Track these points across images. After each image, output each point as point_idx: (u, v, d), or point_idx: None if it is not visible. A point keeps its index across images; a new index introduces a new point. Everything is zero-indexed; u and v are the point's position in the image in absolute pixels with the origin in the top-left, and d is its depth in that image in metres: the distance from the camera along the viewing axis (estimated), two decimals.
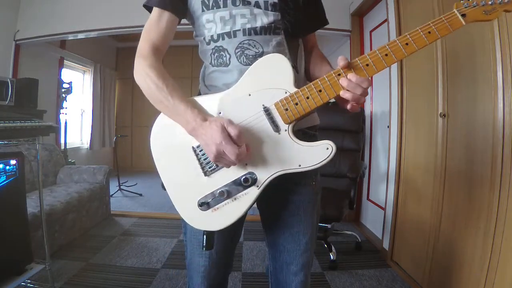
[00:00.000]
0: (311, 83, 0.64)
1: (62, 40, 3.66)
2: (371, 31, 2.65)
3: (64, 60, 3.96)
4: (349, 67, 0.63)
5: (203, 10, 0.73)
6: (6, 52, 2.94)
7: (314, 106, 0.64)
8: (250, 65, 0.69)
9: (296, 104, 0.64)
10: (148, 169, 5.51)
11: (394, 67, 2.01)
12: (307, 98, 0.64)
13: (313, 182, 0.80)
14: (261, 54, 0.71)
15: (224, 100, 0.69)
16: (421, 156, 1.75)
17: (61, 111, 3.67)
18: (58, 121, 3.64)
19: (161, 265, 1.96)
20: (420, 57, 1.76)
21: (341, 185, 2.29)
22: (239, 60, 0.71)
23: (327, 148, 0.63)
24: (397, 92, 1.96)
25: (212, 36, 0.73)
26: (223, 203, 0.67)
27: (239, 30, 0.71)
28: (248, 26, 0.70)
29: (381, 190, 2.41)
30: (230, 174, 0.67)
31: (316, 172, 0.80)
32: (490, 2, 0.60)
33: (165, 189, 0.73)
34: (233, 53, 0.71)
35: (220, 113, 0.68)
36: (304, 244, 0.77)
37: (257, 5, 0.70)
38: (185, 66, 5.48)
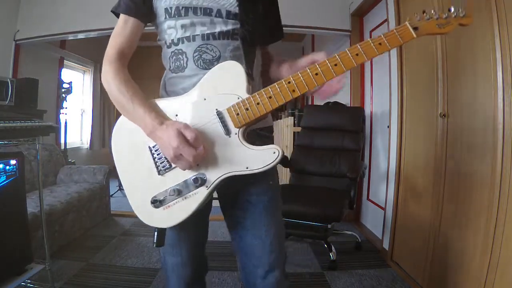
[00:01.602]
0: (262, 90, 0.68)
1: (62, 40, 3.65)
2: (371, 31, 2.65)
3: (64, 60, 3.96)
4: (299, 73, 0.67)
5: (165, 18, 0.76)
6: (6, 52, 2.94)
7: (263, 112, 0.67)
8: (207, 69, 0.73)
9: (247, 109, 0.68)
10: None
11: (394, 67, 2.01)
12: (257, 104, 0.67)
13: (271, 182, 0.81)
14: (218, 58, 0.74)
15: (181, 103, 0.73)
16: (421, 156, 1.75)
17: (61, 111, 3.67)
18: (58, 121, 3.64)
19: (161, 265, 1.96)
20: (420, 57, 1.76)
21: (341, 185, 2.29)
22: (196, 64, 0.75)
23: (274, 153, 0.67)
24: (397, 92, 1.96)
25: (172, 40, 0.77)
26: (174, 201, 0.70)
27: (198, 35, 0.74)
28: (207, 31, 0.74)
29: (381, 190, 2.41)
30: (182, 174, 0.69)
31: (274, 172, 0.82)
32: (444, 16, 0.63)
33: (122, 189, 0.76)
34: (191, 56, 0.75)
35: (176, 115, 0.71)
36: (269, 245, 0.77)
37: (219, 14, 0.74)
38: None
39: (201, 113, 0.70)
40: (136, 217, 0.73)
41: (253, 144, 0.69)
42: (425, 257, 1.61)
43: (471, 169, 1.33)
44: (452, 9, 0.63)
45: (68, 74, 4.15)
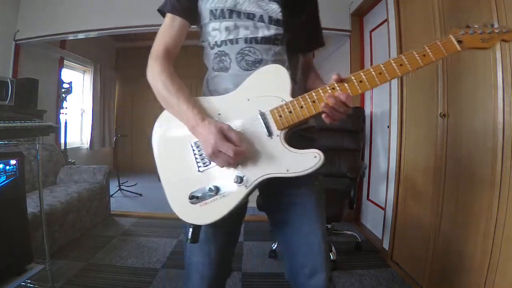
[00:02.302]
0: (306, 94, 0.68)
1: (62, 40, 3.65)
2: (371, 31, 2.65)
3: (64, 60, 3.95)
4: (342, 81, 0.66)
5: (210, 19, 0.79)
6: (6, 52, 2.94)
7: (306, 115, 0.68)
8: (249, 70, 0.75)
9: (290, 112, 0.68)
10: (148, 169, 5.51)
11: None
12: (301, 107, 0.68)
13: (316, 183, 0.81)
14: (260, 61, 0.76)
15: (224, 102, 0.74)
16: (421, 156, 1.75)
17: (61, 111, 3.67)
18: (58, 121, 3.64)
19: (161, 265, 1.96)
20: None
21: (341, 185, 2.29)
22: (239, 65, 0.77)
23: (315, 157, 0.66)
24: (397, 92, 1.96)
25: (216, 41, 0.79)
26: (212, 198, 0.70)
27: (241, 38, 0.76)
28: (250, 36, 0.76)
29: (381, 190, 2.41)
30: (222, 172, 0.70)
31: (317, 175, 0.80)
32: (488, 31, 0.63)
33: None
34: (234, 58, 0.77)
35: (219, 113, 0.73)
36: (317, 246, 0.78)
37: (261, 19, 0.76)
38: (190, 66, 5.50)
39: (244, 113, 0.71)
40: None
41: (296, 146, 0.68)
42: (425, 257, 1.61)
43: (471, 169, 1.33)
44: (496, 25, 0.63)
45: (68, 74, 4.15)
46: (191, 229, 0.71)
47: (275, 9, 0.76)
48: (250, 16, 0.76)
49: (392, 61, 0.64)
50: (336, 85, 0.66)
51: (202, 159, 0.72)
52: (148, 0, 2.82)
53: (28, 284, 1.49)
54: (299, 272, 0.79)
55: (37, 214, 1.79)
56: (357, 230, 2.58)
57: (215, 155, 0.65)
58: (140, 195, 3.80)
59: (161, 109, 0.79)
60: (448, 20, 1.48)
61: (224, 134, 0.66)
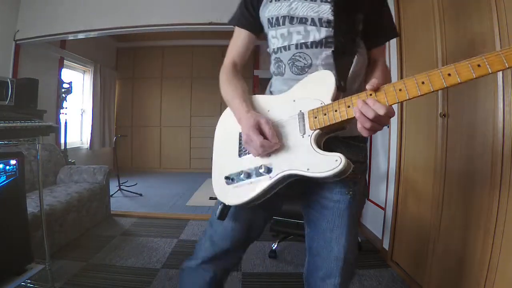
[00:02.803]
0: (344, 99, 0.69)
1: (62, 40, 3.66)
2: None
3: (64, 60, 3.96)
4: (380, 89, 0.64)
5: (268, 28, 0.85)
6: (6, 52, 2.94)
7: (339, 119, 0.69)
8: (300, 74, 0.81)
9: (325, 114, 0.71)
10: (148, 169, 5.52)
11: (394, 67, 2.01)
12: (335, 111, 0.69)
13: (351, 192, 0.80)
14: (310, 66, 0.80)
15: (274, 101, 0.82)
16: (421, 156, 1.75)
17: (61, 111, 3.67)
18: (58, 121, 3.64)
19: (161, 265, 1.96)
20: (420, 57, 1.76)
21: None
22: (291, 70, 0.82)
23: (336, 160, 0.66)
24: None
25: (274, 49, 0.86)
26: (242, 182, 0.77)
27: (293, 44, 0.81)
28: (302, 41, 0.79)
29: (381, 190, 2.41)
30: (255, 160, 0.77)
31: (356, 182, 0.82)
32: None
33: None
34: (287, 64, 0.83)
35: (268, 110, 0.81)
36: (337, 252, 0.78)
37: (313, 22, 0.78)
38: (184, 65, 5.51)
39: (287, 112, 0.77)
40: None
41: (337, 151, 0.69)
42: (425, 257, 1.61)
43: (471, 169, 1.33)
44: None
45: (68, 74, 4.15)
46: (220, 206, 0.79)
47: (326, 10, 0.77)
48: (302, 20, 0.78)
49: (439, 71, 0.57)
50: (374, 92, 0.64)
51: (242, 147, 0.80)
52: (148, 0, 2.83)
53: (28, 284, 1.49)
54: (313, 273, 0.81)
55: (37, 214, 1.79)
56: None
57: (248, 144, 0.74)
58: (140, 195, 3.80)
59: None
60: (448, 20, 1.48)
61: (260, 127, 0.73)
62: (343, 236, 0.78)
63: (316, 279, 0.80)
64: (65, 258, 2.01)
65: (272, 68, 0.90)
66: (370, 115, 0.62)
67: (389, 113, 0.62)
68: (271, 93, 0.90)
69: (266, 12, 0.84)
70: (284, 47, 0.82)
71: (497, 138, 1.17)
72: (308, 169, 0.69)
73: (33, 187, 2.31)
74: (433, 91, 0.58)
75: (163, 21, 2.67)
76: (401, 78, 1.93)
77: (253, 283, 1.80)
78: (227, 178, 0.79)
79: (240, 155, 0.80)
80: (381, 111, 0.61)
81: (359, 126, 0.65)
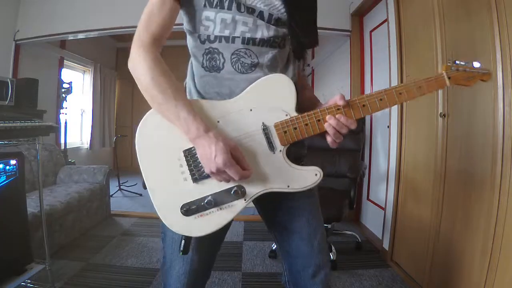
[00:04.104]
0: (312, 112, 0.68)
1: (62, 40, 3.66)
2: (371, 31, 2.65)
3: (64, 60, 3.95)
4: (348, 105, 0.67)
5: (205, 6, 0.68)
6: (6, 52, 2.94)
7: (310, 134, 0.68)
8: (243, 73, 0.70)
9: (295, 128, 0.68)
10: None
11: (394, 67, 2.01)
12: (306, 125, 0.68)
13: (312, 189, 0.79)
14: (256, 65, 0.71)
15: (224, 109, 0.68)
16: (421, 156, 1.75)
17: (61, 111, 3.67)
18: (58, 121, 3.64)
19: (161, 269, 1.95)
20: (420, 57, 1.76)
21: (341, 185, 2.29)
22: (234, 67, 0.70)
23: (316, 174, 0.68)
24: None
25: (208, 36, 0.70)
26: (208, 211, 0.67)
27: (238, 37, 0.69)
28: (248, 35, 0.69)
29: (381, 190, 2.41)
30: (219, 184, 0.67)
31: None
32: (472, 70, 0.75)
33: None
34: (229, 58, 0.70)
35: (218, 121, 0.68)
36: (317, 245, 0.78)
37: (261, 16, 0.69)
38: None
39: (246, 124, 0.68)
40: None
41: (289, 159, 0.68)
42: (425, 257, 1.61)
43: (471, 169, 1.33)
44: (477, 65, 0.75)
45: (68, 74, 4.15)
46: (183, 241, 0.68)
47: (277, 6, 0.70)
48: (249, 10, 0.68)
49: (393, 90, 0.68)
50: (341, 107, 0.67)
51: (198, 170, 0.67)
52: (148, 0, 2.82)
53: (28, 284, 1.49)
54: (301, 274, 0.78)
55: (37, 214, 1.79)
56: (357, 230, 2.58)
57: (218, 174, 0.62)
58: (140, 195, 3.80)
59: None
60: (448, 20, 1.48)
61: (233, 152, 0.62)
62: (318, 230, 0.79)
63: (305, 279, 0.77)
64: (65, 258, 2.01)
65: (201, 60, 0.72)
66: (344, 131, 0.67)
67: (355, 126, 0.67)
68: (200, 93, 0.74)
69: None
70: (226, 38, 0.69)
71: (497, 138, 1.16)
72: (288, 186, 0.68)
73: (33, 187, 2.31)
74: (389, 107, 0.69)
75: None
76: (401, 78, 1.93)
77: (253, 283, 1.79)
78: (185, 209, 0.66)
79: (195, 180, 0.67)
80: (353, 126, 0.66)
81: (330, 139, 0.68)
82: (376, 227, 2.44)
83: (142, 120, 0.71)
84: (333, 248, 2.00)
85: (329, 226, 2.00)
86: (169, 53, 2.17)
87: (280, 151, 0.68)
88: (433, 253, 1.56)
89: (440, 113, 1.52)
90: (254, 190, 0.68)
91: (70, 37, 3.07)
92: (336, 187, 2.29)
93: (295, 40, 0.73)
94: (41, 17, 2.93)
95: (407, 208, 1.87)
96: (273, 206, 0.80)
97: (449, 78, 0.72)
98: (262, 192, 0.68)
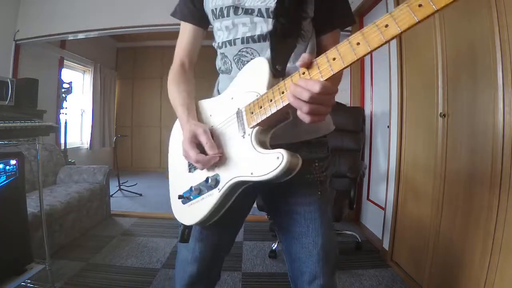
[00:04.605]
0: (277, 84, 0.58)
1: (62, 40, 3.65)
2: None
3: (64, 60, 3.95)
4: (312, 64, 0.53)
5: (213, 19, 0.77)
6: (6, 52, 2.94)
7: (274, 109, 0.57)
8: None
9: (260, 107, 0.60)
10: (148, 169, 5.51)
11: (394, 67, 2.01)
12: (270, 100, 0.58)
13: (319, 192, 0.77)
14: None
15: (215, 103, 0.74)
16: (421, 156, 1.75)
17: (61, 111, 3.67)
18: (58, 121, 3.63)
19: (161, 265, 1.96)
20: (420, 57, 1.76)
21: (341, 185, 2.29)
22: (238, 67, 0.75)
23: (278, 158, 0.56)
24: (397, 92, 1.96)
25: (219, 43, 0.78)
26: (195, 200, 0.70)
27: (239, 38, 0.74)
28: (248, 34, 0.73)
29: (381, 190, 2.41)
30: (202, 173, 0.70)
31: (323, 181, 0.78)
32: None
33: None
34: (232, 60, 0.76)
35: (210, 115, 0.73)
36: (316, 255, 0.75)
37: (259, 13, 0.71)
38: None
39: (226, 112, 0.68)
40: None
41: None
42: (425, 257, 1.61)
43: (471, 169, 1.33)
44: None
45: (68, 74, 4.15)
46: (180, 229, 0.73)
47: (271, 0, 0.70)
48: (248, 11, 0.71)
49: (375, 25, 0.46)
50: (306, 70, 0.53)
51: None
52: (148, 0, 2.83)
53: (28, 284, 1.49)
54: (299, 277, 0.79)
55: (37, 214, 1.79)
56: (357, 230, 2.58)
57: (187, 158, 0.68)
58: (140, 195, 3.80)
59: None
60: (448, 20, 1.48)
61: (197, 138, 0.66)
62: (320, 238, 0.75)
63: (303, 283, 0.77)
64: (65, 258, 2.01)
65: (219, 64, 0.82)
66: (305, 96, 0.51)
67: (327, 89, 0.50)
68: (218, 93, 0.82)
69: (210, 3, 0.76)
70: (229, 42, 0.75)
71: (497, 138, 1.16)
72: (251, 173, 0.60)
73: (33, 187, 2.31)
74: (370, 51, 0.47)
75: (163, 21, 2.67)
76: (401, 78, 1.93)
77: (253, 283, 1.79)
78: (180, 197, 0.72)
79: (190, 170, 0.73)
80: (316, 88, 0.50)
81: (298, 113, 0.54)
82: (376, 227, 2.43)
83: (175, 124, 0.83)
84: None
85: None
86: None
87: (249, 134, 0.62)
88: (433, 253, 1.56)
89: (440, 113, 1.52)
90: (225, 179, 0.65)
91: (70, 37, 3.07)
92: (336, 187, 2.29)
93: (282, 26, 0.68)
94: (41, 17, 2.93)
95: (407, 208, 1.87)
96: (276, 207, 0.81)
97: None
98: (232, 181, 0.63)
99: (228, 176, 0.65)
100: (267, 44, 0.71)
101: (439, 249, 1.52)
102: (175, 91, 0.77)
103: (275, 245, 2.13)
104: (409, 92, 1.88)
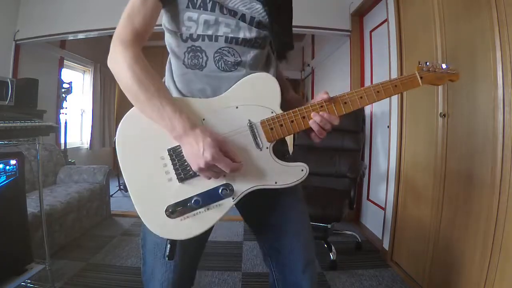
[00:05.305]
0: (296, 109, 0.70)
1: (62, 40, 3.65)
2: (371, 31, 2.65)
3: (64, 60, 3.95)
4: (330, 101, 0.71)
5: (187, 6, 0.69)
6: (6, 52, 2.94)
7: (296, 130, 0.71)
8: (227, 71, 0.71)
9: (281, 125, 0.69)
10: None
11: (394, 67, 2.01)
12: (292, 121, 0.70)
13: (299, 189, 0.83)
14: (239, 63, 0.72)
15: (209, 107, 0.68)
16: (421, 156, 1.75)
17: (61, 111, 3.67)
18: (58, 121, 3.63)
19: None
20: (420, 58, 1.76)
21: (341, 185, 2.29)
22: (217, 65, 0.71)
23: (302, 170, 0.70)
24: None
25: (191, 34, 0.70)
26: (194, 212, 0.65)
27: (222, 36, 0.70)
28: (231, 35, 0.71)
29: (381, 190, 2.41)
30: (206, 183, 0.65)
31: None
32: (441, 71, 0.80)
33: (127, 191, 0.72)
34: (212, 56, 0.71)
35: (203, 119, 0.67)
36: (304, 240, 0.80)
37: (243, 18, 0.71)
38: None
39: (232, 122, 0.68)
40: (136, 217, 0.68)
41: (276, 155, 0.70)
42: (425, 257, 1.61)
43: (471, 169, 1.33)
44: (444, 66, 0.81)
45: (68, 74, 4.15)
46: (169, 245, 0.65)
47: (258, 10, 0.72)
48: (232, 13, 0.70)
49: (371, 88, 0.72)
50: (324, 103, 0.70)
51: (184, 169, 0.65)
52: None
53: (28, 284, 1.49)
54: (291, 270, 0.79)
55: (37, 214, 1.79)
56: (357, 230, 2.58)
57: (208, 169, 0.61)
58: None
59: None
60: (448, 20, 1.48)
61: (221, 147, 0.61)
62: (305, 224, 0.82)
63: (297, 274, 0.78)
64: (65, 258, 2.01)
65: (182, 58, 0.72)
66: (328, 127, 0.70)
67: (338, 122, 0.71)
68: (181, 91, 0.73)
69: None
70: (209, 37, 0.70)
71: (497, 138, 1.17)
72: (276, 182, 0.69)
73: (33, 187, 2.31)
74: (368, 104, 0.73)
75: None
76: None
77: (253, 283, 1.79)
78: (170, 211, 0.64)
79: (181, 180, 0.65)
80: (336, 122, 0.70)
81: (313, 135, 0.72)
82: (376, 227, 2.44)
83: (122, 119, 0.68)
84: (333, 248, 2.00)
85: (329, 226, 2.00)
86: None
87: (267, 148, 0.69)
88: (433, 253, 1.56)
89: (440, 113, 1.52)
90: (242, 187, 0.67)
91: (70, 37, 3.07)
92: (336, 187, 2.29)
93: (277, 41, 0.76)
94: (41, 17, 2.93)
95: (407, 208, 1.87)
96: (259, 205, 0.79)
97: (421, 78, 0.77)
98: (250, 190, 0.67)
99: (246, 186, 0.67)
100: (247, 49, 0.73)
101: (439, 249, 1.52)
102: (147, 79, 0.62)
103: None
104: (409, 92, 1.88)
